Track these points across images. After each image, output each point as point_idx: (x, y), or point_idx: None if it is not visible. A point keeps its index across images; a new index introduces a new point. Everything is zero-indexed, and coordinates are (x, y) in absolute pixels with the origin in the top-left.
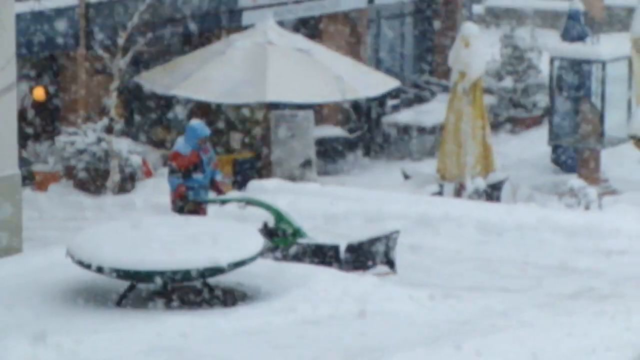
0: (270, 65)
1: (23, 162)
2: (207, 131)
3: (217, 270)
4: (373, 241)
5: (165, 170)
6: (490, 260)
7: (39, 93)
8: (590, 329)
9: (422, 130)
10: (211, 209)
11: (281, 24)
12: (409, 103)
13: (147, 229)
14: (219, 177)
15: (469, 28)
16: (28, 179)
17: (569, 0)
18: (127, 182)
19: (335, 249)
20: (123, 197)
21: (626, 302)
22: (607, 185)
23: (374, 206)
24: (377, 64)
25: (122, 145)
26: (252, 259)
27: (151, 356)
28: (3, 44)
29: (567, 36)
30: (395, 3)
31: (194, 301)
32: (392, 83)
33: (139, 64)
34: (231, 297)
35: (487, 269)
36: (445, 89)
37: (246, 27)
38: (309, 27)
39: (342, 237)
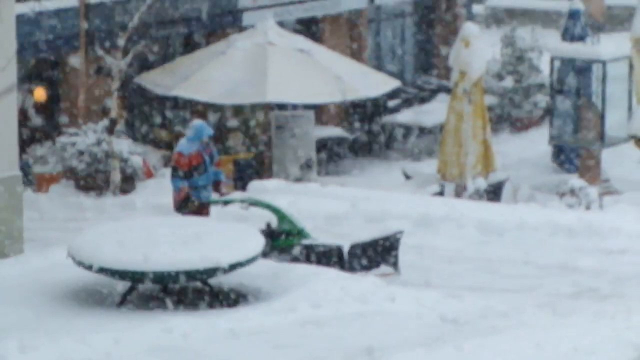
0: (270, 66)
1: (23, 163)
2: (209, 131)
3: (217, 271)
4: (377, 241)
5: (165, 171)
6: (490, 260)
7: (40, 94)
8: (591, 329)
9: (422, 130)
10: (214, 209)
11: (281, 24)
12: (409, 103)
13: (147, 230)
14: (222, 178)
15: (469, 28)
16: (28, 179)
17: (569, 0)
18: (128, 183)
19: (339, 249)
20: (123, 198)
21: (626, 302)
22: (607, 185)
23: (374, 206)
24: (378, 64)
25: (123, 145)
26: (253, 259)
27: (151, 356)
28: (3, 44)
29: (567, 36)
30: (396, 3)
31: (194, 301)
32: (392, 83)
33: (139, 64)
34: (232, 297)
35: (487, 269)
36: (446, 89)
37: (246, 28)
38: (309, 28)
39: (344, 238)
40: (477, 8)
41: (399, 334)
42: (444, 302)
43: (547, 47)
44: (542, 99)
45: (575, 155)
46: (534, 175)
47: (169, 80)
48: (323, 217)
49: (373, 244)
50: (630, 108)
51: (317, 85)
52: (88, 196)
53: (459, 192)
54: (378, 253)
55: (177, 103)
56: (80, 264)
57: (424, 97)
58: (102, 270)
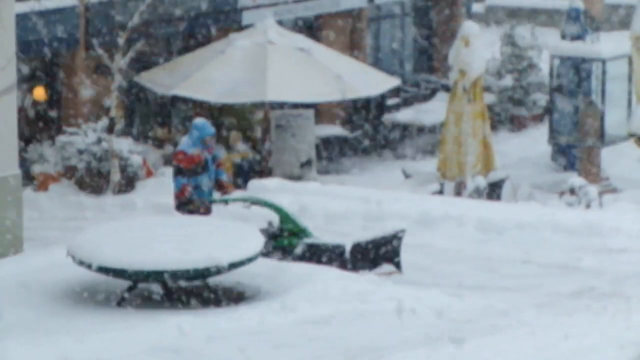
0: (270, 65)
1: (23, 162)
2: (211, 130)
3: (217, 270)
4: (379, 241)
5: (165, 170)
6: (490, 260)
7: (39, 93)
8: (591, 328)
9: (422, 129)
10: (215, 208)
11: (281, 23)
12: (409, 102)
13: (147, 229)
14: (224, 177)
15: (469, 27)
16: (28, 179)
17: None
18: (128, 182)
19: (341, 248)
20: (123, 197)
21: (627, 301)
22: (607, 184)
23: (374, 205)
24: (377, 63)
25: (123, 145)
26: (253, 258)
27: (151, 356)
28: (3, 44)
29: (567, 34)
30: (395, 2)
31: (194, 301)
32: (392, 82)
33: (139, 63)
34: (231, 297)
35: (487, 268)
36: (446, 88)
37: (246, 27)
38: (309, 27)
39: (345, 237)
40: (476, 7)
41: (399, 334)
42: (444, 302)
43: (547, 46)
44: (542, 98)
45: (575, 153)
46: (533, 174)
47: (168, 80)
48: (323, 216)
49: (375, 243)
50: (630, 106)
51: (317, 84)
52: (88, 195)
53: (459, 191)
54: (380, 252)
55: (177, 102)
56: (80, 263)
57: (424, 96)
58: (101, 269)
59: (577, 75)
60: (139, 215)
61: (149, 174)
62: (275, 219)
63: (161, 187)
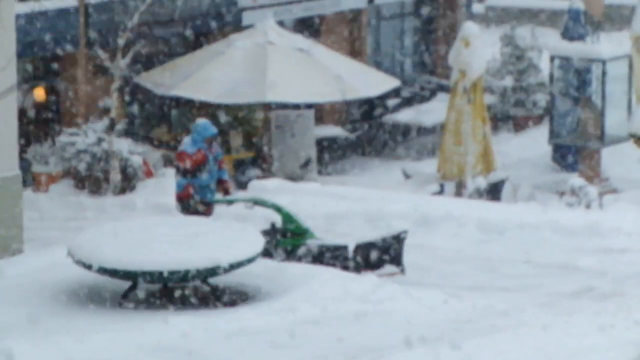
0: (270, 65)
1: (24, 163)
2: (213, 130)
3: (217, 270)
4: (382, 241)
5: (166, 171)
6: (490, 260)
7: (40, 93)
8: (591, 328)
9: (422, 129)
10: (217, 208)
11: (281, 23)
12: (409, 102)
13: (147, 229)
14: (226, 177)
15: (469, 27)
16: (28, 179)
17: None
18: (128, 183)
19: (344, 249)
20: (123, 198)
21: (627, 301)
22: (607, 184)
23: (374, 206)
24: (377, 63)
25: (123, 145)
26: (253, 259)
27: (151, 356)
28: (3, 44)
29: (567, 35)
30: (395, 2)
31: (194, 301)
32: (392, 82)
33: (139, 64)
34: (231, 297)
35: (487, 269)
36: (446, 88)
37: (246, 27)
38: (309, 27)
39: (344, 237)
40: (476, 7)
41: (399, 334)
42: (444, 302)
43: (547, 46)
44: (542, 98)
45: (575, 154)
46: (533, 175)
47: (168, 80)
48: (323, 217)
49: (378, 243)
50: (630, 107)
51: (317, 84)
52: (88, 195)
53: (459, 192)
54: (383, 253)
55: (177, 102)
56: (80, 263)
57: (424, 96)
58: (102, 269)
59: (577, 76)
60: (139, 215)
61: (149, 174)
62: (277, 219)
63: (161, 187)
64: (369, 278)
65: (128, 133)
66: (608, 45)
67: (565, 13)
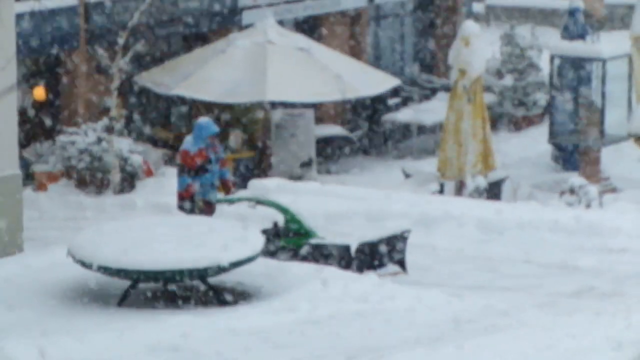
0: (270, 65)
1: (23, 162)
2: (215, 129)
3: (217, 270)
4: (384, 241)
5: (166, 170)
6: (490, 259)
7: (39, 93)
8: (591, 328)
9: (422, 129)
10: (219, 207)
11: (281, 23)
12: (409, 102)
13: (147, 229)
14: (228, 176)
15: (469, 26)
16: (28, 179)
17: None
18: (128, 182)
19: (347, 248)
20: (123, 197)
21: (627, 301)
22: (607, 184)
23: (374, 205)
24: (377, 62)
25: (123, 144)
26: (253, 258)
27: (151, 356)
28: (3, 44)
29: (567, 34)
30: (396, 2)
31: (194, 300)
32: (392, 82)
33: (139, 63)
34: (232, 297)
35: (487, 268)
36: (446, 87)
37: (246, 27)
38: (309, 27)
39: (345, 237)
40: (476, 7)
41: (399, 334)
42: (444, 301)
43: (547, 45)
44: (542, 97)
45: (575, 153)
46: (533, 174)
47: (168, 79)
48: (323, 216)
49: (381, 243)
50: (630, 106)
51: (317, 84)
52: (88, 195)
53: (459, 191)
54: (385, 252)
55: (177, 102)
56: (80, 263)
57: (424, 95)
58: (102, 269)
59: (577, 75)
60: (139, 215)
61: (149, 173)
62: (279, 218)
63: (161, 187)
64: (369, 278)
65: (128, 132)
66: (608, 44)
67: (566, 12)
